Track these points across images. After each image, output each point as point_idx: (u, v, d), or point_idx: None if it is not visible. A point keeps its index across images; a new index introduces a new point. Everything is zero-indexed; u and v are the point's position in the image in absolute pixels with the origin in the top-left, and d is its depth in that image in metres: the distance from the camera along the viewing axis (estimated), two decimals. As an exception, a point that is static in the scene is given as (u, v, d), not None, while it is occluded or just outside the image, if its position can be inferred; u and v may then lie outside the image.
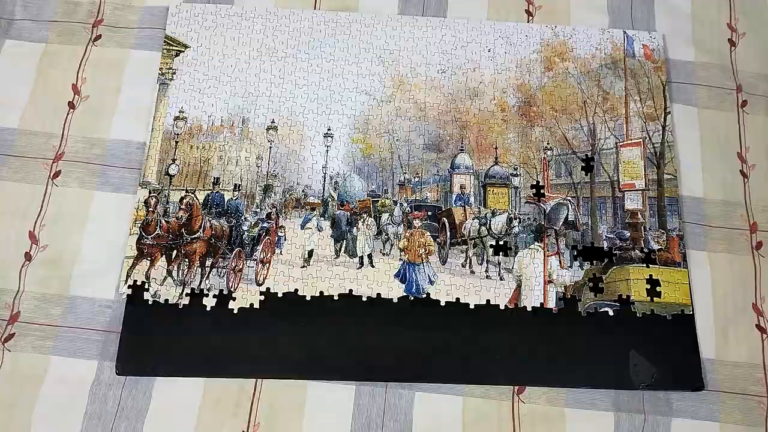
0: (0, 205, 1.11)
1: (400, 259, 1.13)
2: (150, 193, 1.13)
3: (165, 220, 1.12)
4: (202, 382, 1.01)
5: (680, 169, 1.20)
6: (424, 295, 1.09)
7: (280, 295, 1.07)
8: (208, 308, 1.06)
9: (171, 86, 1.21)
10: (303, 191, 1.18)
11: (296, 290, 1.08)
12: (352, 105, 1.22)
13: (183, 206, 1.12)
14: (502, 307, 1.09)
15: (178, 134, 1.18)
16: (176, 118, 1.19)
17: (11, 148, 1.15)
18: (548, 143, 1.21)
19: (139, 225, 1.10)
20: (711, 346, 1.08)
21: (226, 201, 1.16)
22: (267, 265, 1.11)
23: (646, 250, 1.13)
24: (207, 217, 1.14)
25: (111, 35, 1.24)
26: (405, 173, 1.22)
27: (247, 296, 1.07)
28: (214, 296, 1.07)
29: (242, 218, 1.15)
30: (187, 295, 1.06)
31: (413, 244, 1.14)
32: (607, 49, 1.27)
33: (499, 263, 1.14)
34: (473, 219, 1.19)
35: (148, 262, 1.08)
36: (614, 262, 1.13)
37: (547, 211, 1.17)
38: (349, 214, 1.18)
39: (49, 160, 1.15)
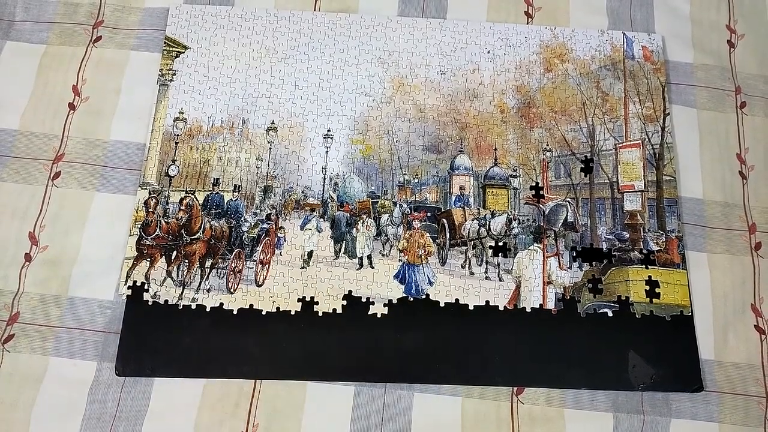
0: (0, 206, 1.11)
1: (400, 260, 1.13)
2: (150, 194, 1.13)
3: (165, 221, 1.12)
4: (202, 382, 1.01)
5: (679, 170, 1.20)
6: (424, 296, 1.09)
7: (280, 296, 1.07)
8: (208, 309, 1.06)
9: (171, 87, 1.21)
10: (303, 192, 1.18)
11: (295, 291, 1.08)
12: (351, 106, 1.22)
13: (183, 207, 1.13)
14: (501, 308, 1.09)
15: (178, 135, 1.18)
16: (176, 119, 1.19)
17: (11, 149, 1.15)
18: (547, 144, 1.22)
19: (139, 226, 1.10)
20: (710, 347, 1.08)
21: (225, 202, 1.17)
22: (267, 266, 1.11)
23: (645, 252, 1.13)
24: (207, 218, 1.14)
25: (111, 36, 1.25)
26: (404, 174, 1.22)
27: (247, 297, 1.07)
28: (214, 297, 1.07)
29: (242, 219, 1.16)
30: (186, 296, 1.07)
31: (413, 245, 1.14)
32: (607, 51, 1.27)
33: (499, 264, 1.14)
34: (473, 220, 1.19)
35: (148, 262, 1.09)
36: (613, 263, 1.13)
37: (546, 213, 1.17)
38: (348, 215, 1.18)
39: (49, 161, 1.15)
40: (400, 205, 1.20)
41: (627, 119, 1.23)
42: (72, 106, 1.19)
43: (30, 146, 1.16)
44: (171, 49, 1.23)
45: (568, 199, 1.18)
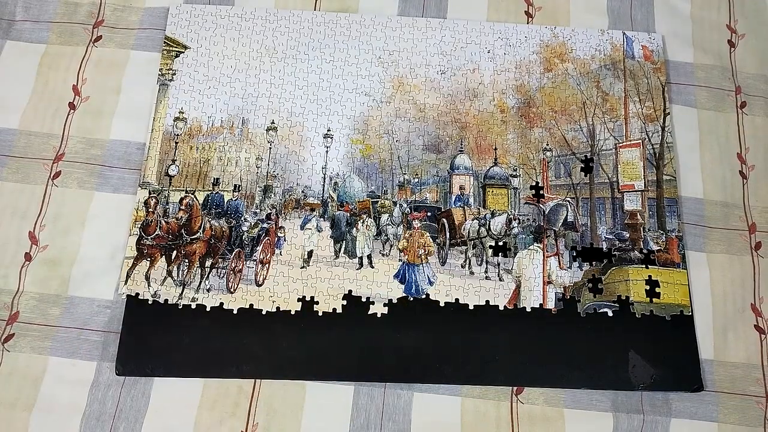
0: (0, 206, 1.11)
1: (400, 260, 1.13)
2: (150, 193, 1.13)
3: (165, 221, 1.12)
4: (202, 382, 1.02)
5: (679, 170, 1.20)
6: (424, 296, 1.09)
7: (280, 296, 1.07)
8: (208, 309, 1.06)
9: (171, 87, 1.21)
10: (302, 192, 1.18)
11: (295, 290, 1.08)
12: (351, 106, 1.22)
13: (183, 207, 1.13)
14: (501, 307, 1.09)
15: (177, 135, 1.18)
16: (176, 119, 1.19)
17: (11, 149, 1.15)
18: (547, 144, 1.22)
19: (139, 225, 1.10)
20: (710, 347, 1.08)
21: (225, 202, 1.17)
22: (266, 265, 1.11)
23: (645, 251, 1.13)
24: (207, 218, 1.14)
25: (111, 36, 1.25)
26: (404, 174, 1.22)
27: (247, 296, 1.07)
28: (214, 297, 1.07)
29: (242, 219, 1.16)
30: (186, 295, 1.07)
31: (413, 245, 1.14)
32: (607, 50, 1.27)
33: (499, 264, 1.14)
34: (473, 220, 1.19)
35: (148, 262, 1.09)
36: (613, 262, 1.13)
37: (546, 212, 1.17)
38: (348, 214, 1.18)
39: (49, 161, 1.15)
40: (400, 204, 1.20)
41: (627, 119, 1.23)
42: (72, 106, 1.19)
43: (30, 146, 1.16)
44: (171, 48, 1.23)
45: (568, 199, 1.18)
